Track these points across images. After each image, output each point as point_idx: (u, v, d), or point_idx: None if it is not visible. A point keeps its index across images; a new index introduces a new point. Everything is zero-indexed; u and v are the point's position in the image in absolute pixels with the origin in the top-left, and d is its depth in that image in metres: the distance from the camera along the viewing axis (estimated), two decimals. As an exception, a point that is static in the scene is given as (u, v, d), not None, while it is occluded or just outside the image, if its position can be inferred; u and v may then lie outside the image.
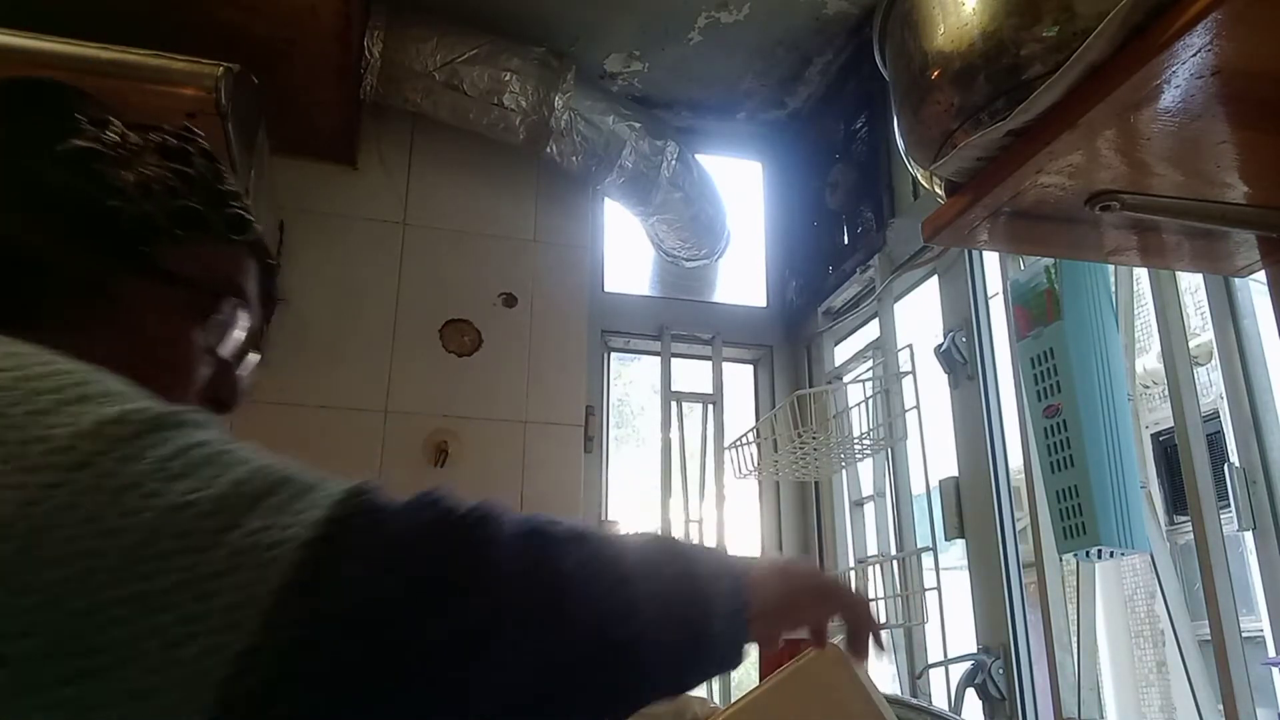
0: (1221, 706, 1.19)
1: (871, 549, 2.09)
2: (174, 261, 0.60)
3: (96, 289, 0.58)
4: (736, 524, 2.28)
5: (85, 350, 0.56)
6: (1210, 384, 4.10)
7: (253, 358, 0.68)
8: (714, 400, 2.33)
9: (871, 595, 1.70)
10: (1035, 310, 1.35)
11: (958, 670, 1.57)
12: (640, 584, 0.51)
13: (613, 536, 0.52)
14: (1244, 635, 1.17)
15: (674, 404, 2.31)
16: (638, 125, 2.14)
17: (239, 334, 0.65)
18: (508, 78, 1.98)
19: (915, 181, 1.47)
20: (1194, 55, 0.66)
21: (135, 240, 0.58)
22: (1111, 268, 1.38)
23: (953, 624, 1.59)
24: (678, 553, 0.54)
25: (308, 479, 0.46)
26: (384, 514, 0.45)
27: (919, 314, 1.98)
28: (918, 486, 1.83)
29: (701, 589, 0.53)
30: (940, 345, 1.75)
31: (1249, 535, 1.19)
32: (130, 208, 0.58)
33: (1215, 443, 1.32)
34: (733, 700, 0.67)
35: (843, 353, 2.26)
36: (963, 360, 1.71)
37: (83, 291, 0.57)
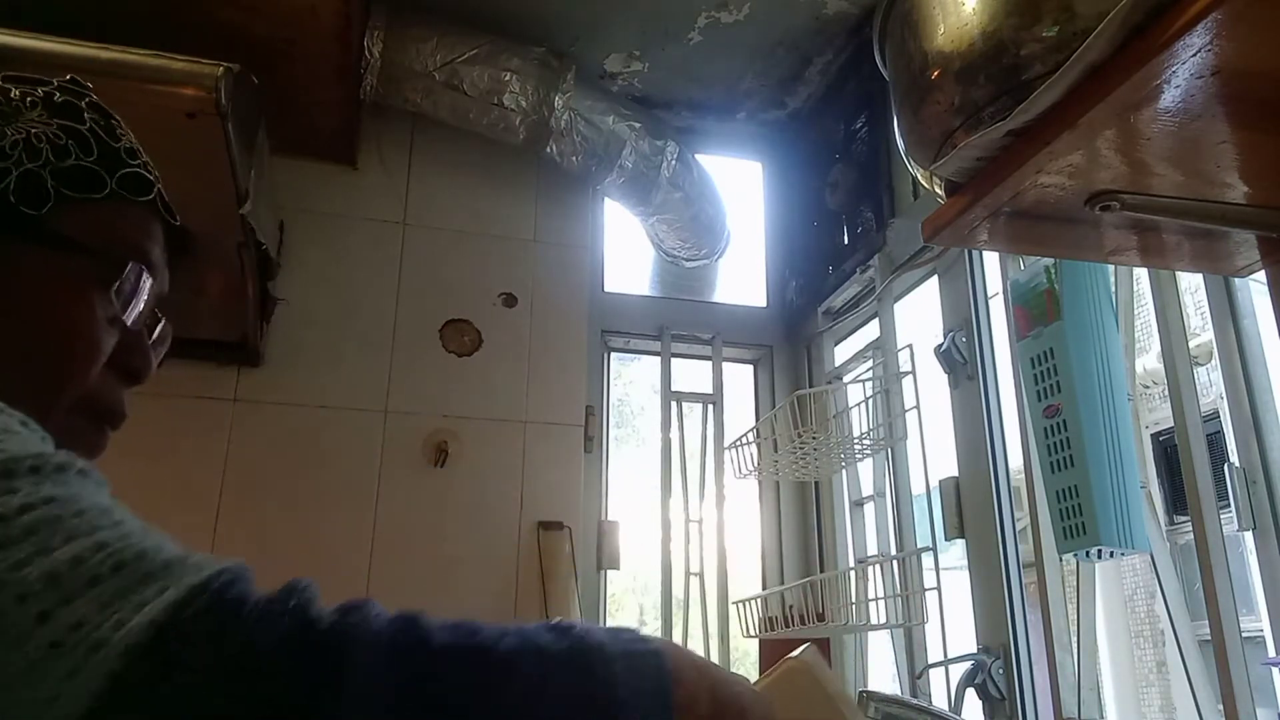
0: (1221, 706, 1.19)
1: (871, 549, 2.09)
2: (67, 225, 0.55)
3: None
4: (736, 524, 2.28)
5: None
6: (1210, 384, 4.10)
7: (166, 326, 0.64)
8: (714, 400, 2.33)
9: (871, 595, 1.69)
10: (1035, 310, 1.35)
11: (958, 670, 1.57)
12: (532, 709, 0.42)
13: (504, 643, 0.43)
14: (1244, 635, 1.17)
15: (674, 404, 2.31)
16: (638, 125, 2.14)
17: (145, 300, 0.60)
18: (508, 78, 1.98)
19: (915, 181, 1.47)
20: (1194, 55, 0.66)
21: (22, 203, 0.54)
22: (1111, 268, 1.38)
23: (953, 624, 1.59)
24: (582, 663, 0.44)
25: (160, 560, 0.40)
26: (232, 619, 0.38)
27: (919, 314, 1.98)
28: (918, 486, 1.83)
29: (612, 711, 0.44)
30: (940, 345, 1.75)
31: (1249, 535, 1.19)
32: (15, 168, 0.54)
33: (1215, 443, 1.32)
34: None
35: (843, 353, 2.26)
36: (963, 360, 1.71)
37: None
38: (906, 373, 1.74)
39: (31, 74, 0.58)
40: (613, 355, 2.37)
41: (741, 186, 2.58)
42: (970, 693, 1.54)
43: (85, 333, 0.56)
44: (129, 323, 0.59)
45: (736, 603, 1.98)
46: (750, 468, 1.96)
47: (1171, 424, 1.28)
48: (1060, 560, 1.43)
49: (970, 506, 1.67)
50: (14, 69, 0.59)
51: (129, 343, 0.59)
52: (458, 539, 1.98)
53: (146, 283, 0.59)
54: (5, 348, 0.53)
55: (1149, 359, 4.83)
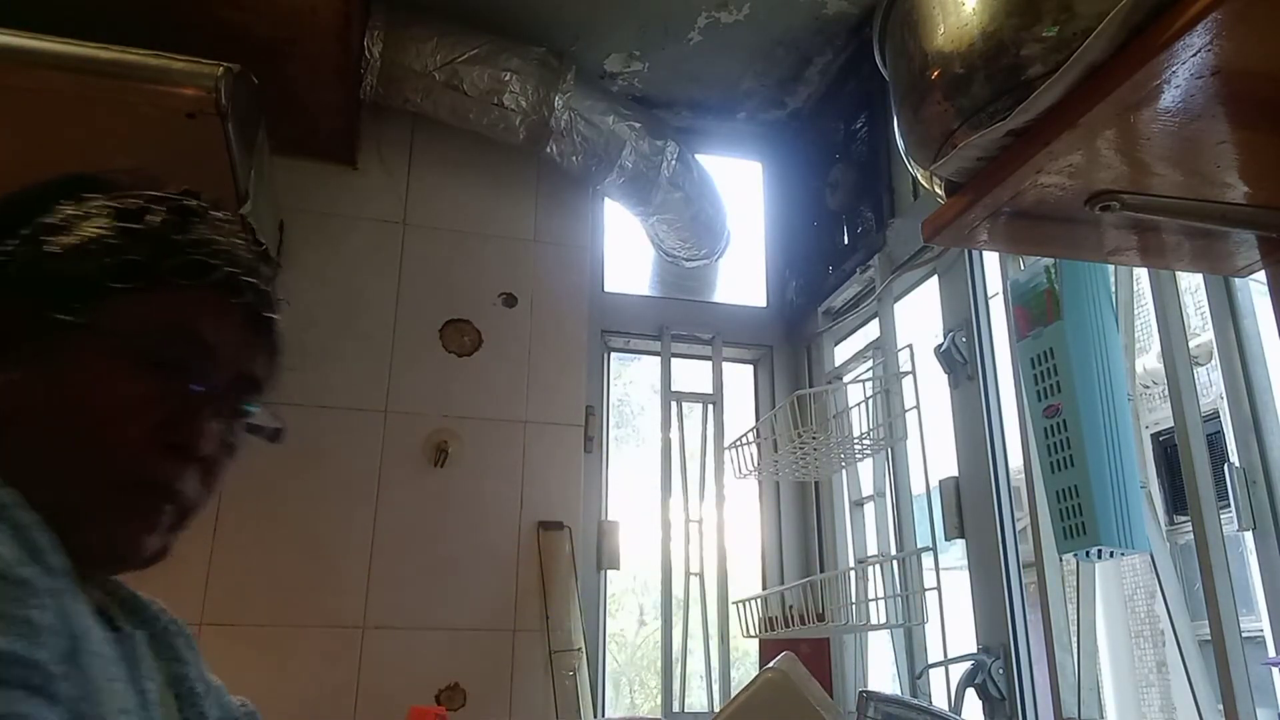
0: (1221, 706, 1.19)
1: (871, 549, 2.09)
2: (110, 314, 0.61)
3: (21, 338, 0.60)
4: (736, 524, 2.28)
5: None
6: (1210, 384, 4.10)
7: (249, 395, 0.69)
8: (714, 400, 2.33)
9: (871, 595, 1.70)
10: (1035, 310, 1.35)
11: (958, 670, 1.57)
12: None
13: None
14: (1244, 635, 1.17)
15: (674, 404, 2.31)
16: (638, 125, 2.14)
17: (197, 375, 0.64)
18: (508, 78, 1.98)
19: (915, 181, 1.47)
20: (1194, 55, 0.66)
21: (70, 297, 0.60)
22: (1111, 268, 1.38)
23: (953, 624, 1.59)
24: None
25: None
26: None
27: (919, 314, 1.98)
28: (918, 486, 1.83)
29: None
30: (940, 345, 1.75)
31: (1249, 535, 1.19)
32: (67, 268, 0.61)
33: (1215, 443, 1.32)
34: None
35: (843, 353, 2.26)
36: (963, 360, 1.71)
37: (12, 341, 0.60)
38: (906, 373, 1.74)
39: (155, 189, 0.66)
40: (613, 355, 2.37)
41: (741, 186, 2.58)
42: (970, 693, 1.54)
43: (117, 407, 0.60)
44: (181, 398, 0.62)
45: (736, 603, 1.98)
46: (750, 468, 1.96)
47: (1171, 424, 1.28)
48: (1060, 560, 1.43)
49: (970, 506, 1.67)
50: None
51: (178, 417, 0.62)
52: (458, 539, 1.98)
53: (199, 358, 0.64)
54: (57, 432, 0.59)
55: (1149, 359, 4.83)
